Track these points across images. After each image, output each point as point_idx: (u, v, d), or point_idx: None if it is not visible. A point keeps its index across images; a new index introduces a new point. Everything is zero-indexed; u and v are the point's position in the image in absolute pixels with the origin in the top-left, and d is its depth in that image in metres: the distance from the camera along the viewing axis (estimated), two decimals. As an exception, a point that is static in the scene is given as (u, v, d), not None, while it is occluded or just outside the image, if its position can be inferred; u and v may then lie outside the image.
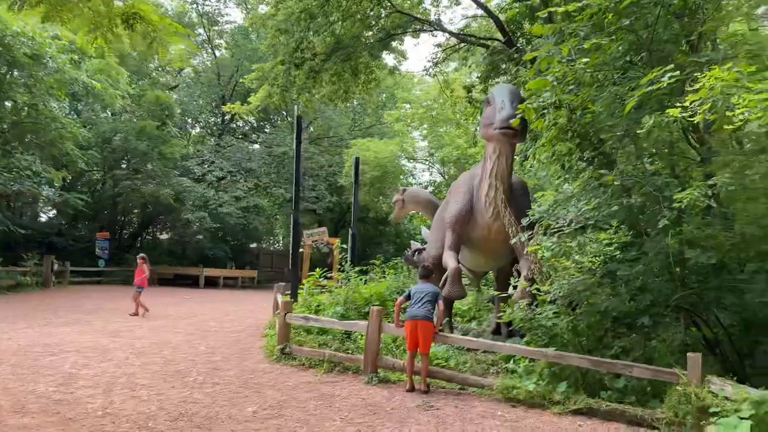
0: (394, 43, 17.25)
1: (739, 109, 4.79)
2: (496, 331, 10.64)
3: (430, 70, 16.80)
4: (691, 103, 5.17)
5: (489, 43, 15.22)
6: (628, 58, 7.07)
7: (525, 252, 8.46)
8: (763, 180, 5.95)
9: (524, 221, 7.32)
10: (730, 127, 5.07)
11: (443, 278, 8.39)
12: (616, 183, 6.36)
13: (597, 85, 7.02)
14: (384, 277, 14.60)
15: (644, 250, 6.07)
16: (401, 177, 28.25)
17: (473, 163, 25.30)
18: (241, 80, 20.97)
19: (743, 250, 6.02)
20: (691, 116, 5.26)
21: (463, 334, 9.86)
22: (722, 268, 6.23)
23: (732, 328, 6.21)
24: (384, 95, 33.24)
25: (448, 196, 10.36)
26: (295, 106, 15.35)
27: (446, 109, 24.52)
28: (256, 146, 34.28)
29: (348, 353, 8.04)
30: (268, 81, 14.79)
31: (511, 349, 6.61)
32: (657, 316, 6.40)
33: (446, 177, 26.10)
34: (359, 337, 8.55)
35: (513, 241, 7.45)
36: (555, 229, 6.24)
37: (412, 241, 22.14)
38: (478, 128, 8.43)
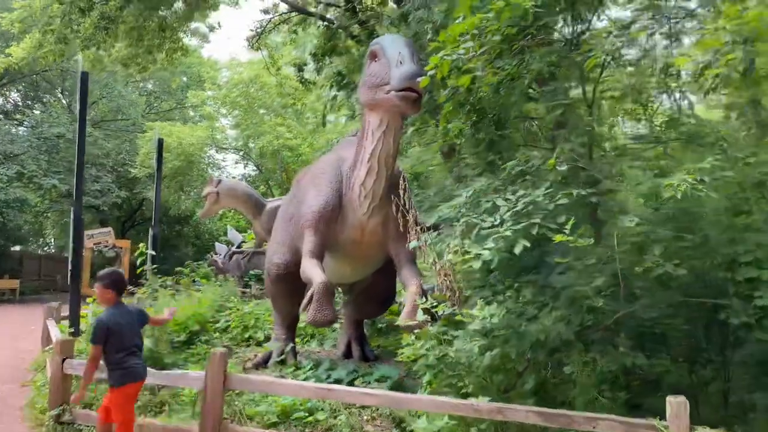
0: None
1: None
2: (347, 354, 8.65)
3: (253, 41, 14.22)
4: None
5: (327, 14, 13.21)
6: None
7: (416, 260, 6.55)
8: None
9: (431, 220, 5.30)
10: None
11: (307, 298, 6.06)
12: (559, 168, 4.73)
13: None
14: (196, 289, 11.65)
15: (592, 255, 4.54)
16: (209, 169, 24.79)
17: (298, 156, 23.00)
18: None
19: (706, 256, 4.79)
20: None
21: (314, 365, 7.63)
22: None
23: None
24: (185, 78, 29.21)
25: (295, 188, 8.06)
26: (79, 61, 11.68)
27: (264, 95, 21.87)
28: (22, 129, 27.86)
29: (172, 422, 5.27)
30: (38, 26, 10.84)
31: (430, 404, 4.53)
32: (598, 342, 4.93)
33: (263, 170, 23.35)
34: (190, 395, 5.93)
35: (413, 244, 5.42)
36: (487, 229, 4.40)
37: (217, 244, 19.33)
38: (355, 95, 6.17)
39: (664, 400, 3.93)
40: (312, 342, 10.35)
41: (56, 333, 6.33)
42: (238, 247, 17.99)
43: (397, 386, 6.78)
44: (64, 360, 5.31)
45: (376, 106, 5.78)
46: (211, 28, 14.68)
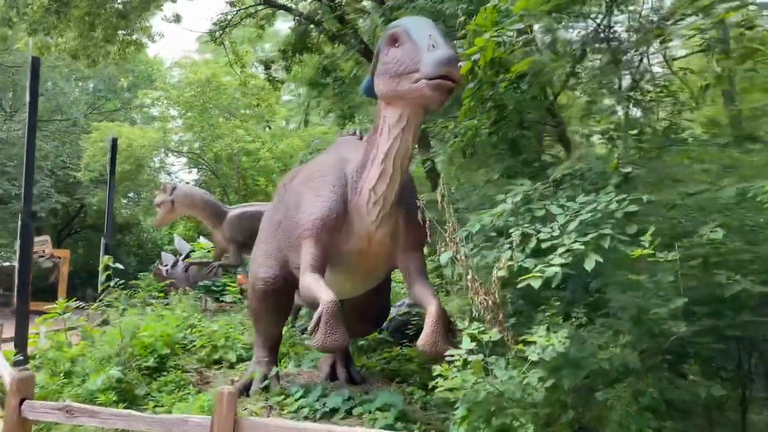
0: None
1: None
2: (332, 376, 7.83)
3: (215, 35, 13.15)
4: None
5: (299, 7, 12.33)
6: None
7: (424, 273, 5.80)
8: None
9: (462, 231, 4.50)
10: None
11: (314, 321, 5.20)
12: (624, 170, 4.09)
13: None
14: (149, 306, 10.44)
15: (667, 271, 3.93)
16: (159, 174, 23.16)
17: (257, 161, 21.75)
18: None
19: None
20: None
21: (304, 392, 6.78)
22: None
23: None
24: (132, 77, 27.44)
25: (283, 192, 7.21)
26: (29, 45, 10.35)
27: (221, 95, 20.55)
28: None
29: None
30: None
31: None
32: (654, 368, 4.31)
33: (219, 175, 22.01)
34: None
35: (446, 257, 4.60)
36: (547, 241, 3.70)
37: (163, 254, 18.08)
38: (371, 84, 5.32)
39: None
40: (288, 362, 9.44)
41: (5, 372, 5.16)
42: (186, 256, 16.86)
43: (402, 416, 6.06)
44: (22, 402, 4.23)
45: (397, 99, 4.99)
46: (172, 20, 13.53)
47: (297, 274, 6.69)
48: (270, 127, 21.44)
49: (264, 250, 6.96)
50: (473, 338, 3.96)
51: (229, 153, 19.91)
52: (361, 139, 6.85)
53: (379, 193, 5.55)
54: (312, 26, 12.28)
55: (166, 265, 16.74)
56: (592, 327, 4.03)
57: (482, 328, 4.12)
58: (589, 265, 3.70)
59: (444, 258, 4.64)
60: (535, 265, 3.84)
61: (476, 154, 5.73)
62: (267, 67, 13.38)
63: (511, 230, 4.12)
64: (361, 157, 5.78)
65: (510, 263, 4.00)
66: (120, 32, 11.93)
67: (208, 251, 15.25)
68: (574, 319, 4.07)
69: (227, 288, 14.36)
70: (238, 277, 16.39)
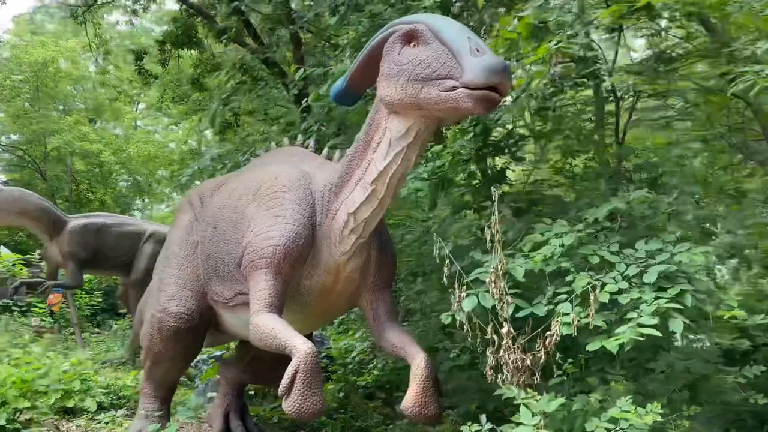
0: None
1: None
2: (226, 430, 6.57)
3: (80, 12, 10.97)
4: None
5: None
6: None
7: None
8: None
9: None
10: None
11: (287, 377, 3.95)
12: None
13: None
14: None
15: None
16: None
17: (98, 166, 18.56)
18: None
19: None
20: None
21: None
22: None
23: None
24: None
25: (197, 204, 5.85)
26: None
27: (59, 82, 17.33)
28: None
29: None
30: None
31: None
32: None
33: (46, 178, 18.38)
34: None
35: (471, 303, 3.70)
36: (616, 294, 3.03)
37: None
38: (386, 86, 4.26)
39: None
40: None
41: None
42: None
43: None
44: None
45: (412, 108, 4.06)
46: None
47: (219, 310, 5.46)
48: (119, 129, 18.80)
49: (176, 278, 5.52)
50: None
51: (63, 152, 16.82)
52: (315, 151, 5.75)
53: (361, 219, 4.54)
54: (200, 19, 10.79)
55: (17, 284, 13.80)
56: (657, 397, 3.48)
57: (535, 396, 3.36)
58: (676, 327, 3.15)
59: (468, 305, 3.80)
60: (606, 324, 3.21)
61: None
62: (139, 59, 11.49)
63: (569, 278, 3.45)
64: (336, 173, 4.74)
65: (572, 320, 3.31)
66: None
67: (14, 264, 12.84)
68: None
69: (33, 309, 12.57)
70: (51, 297, 13.98)
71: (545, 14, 3.91)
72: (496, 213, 3.74)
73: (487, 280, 3.73)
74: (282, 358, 6.28)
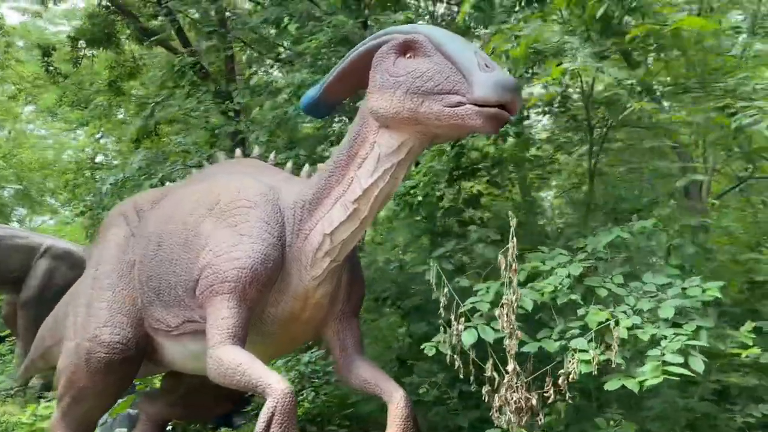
0: None
1: None
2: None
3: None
4: None
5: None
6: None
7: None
8: None
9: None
10: None
11: (263, 420, 3.37)
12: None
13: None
14: None
15: None
16: None
17: None
18: None
19: None
20: None
21: None
22: None
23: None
24: None
25: (133, 218, 5.17)
26: None
27: None
28: None
29: None
30: None
31: None
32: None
33: None
34: None
35: (471, 337, 3.32)
36: (630, 329, 2.78)
37: None
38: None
39: None
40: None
41: None
42: None
43: None
44: None
45: (408, 123, 3.73)
46: None
47: (159, 339, 4.83)
48: (10, 132, 16.83)
49: (110, 302, 4.79)
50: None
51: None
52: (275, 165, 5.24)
53: (338, 241, 4.12)
54: (121, 18, 9.89)
55: None
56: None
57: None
58: (698, 366, 3.00)
59: (468, 338, 3.47)
60: (624, 360, 3.01)
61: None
62: (47, 54, 10.34)
63: (580, 312, 3.22)
64: (309, 189, 4.29)
65: (585, 356, 3.07)
66: None
67: None
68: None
69: None
70: None
71: (546, 34, 3.76)
72: (513, 240, 3.46)
73: (498, 312, 3.43)
74: (227, 391, 5.71)
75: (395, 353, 5.83)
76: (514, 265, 3.39)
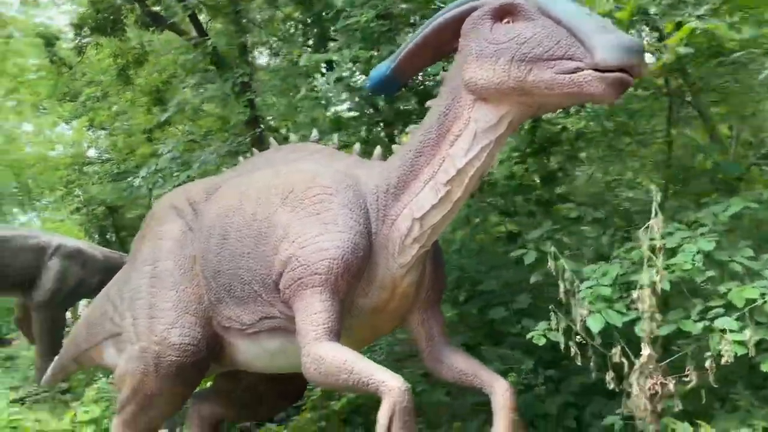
0: None
1: None
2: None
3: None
4: None
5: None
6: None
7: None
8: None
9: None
10: None
11: (383, 426, 3.12)
12: None
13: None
14: None
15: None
16: None
17: None
18: None
19: None
20: None
21: None
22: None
23: None
24: None
25: (188, 212, 4.82)
26: None
27: None
28: None
29: None
30: None
31: None
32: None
33: None
34: None
35: (595, 321, 3.10)
36: None
37: None
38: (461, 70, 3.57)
39: None
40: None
41: None
42: None
43: None
44: None
45: (511, 94, 3.43)
46: None
47: (230, 338, 4.51)
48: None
49: (175, 302, 4.47)
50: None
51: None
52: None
53: (428, 226, 3.82)
54: (127, 3, 9.41)
55: None
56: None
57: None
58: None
59: (595, 324, 3.23)
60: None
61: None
62: (50, 44, 9.87)
63: (721, 289, 2.99)
64: (392, 172, 3.99)
65: (739, 337, 2.86)
66: None
67: None
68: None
69: None
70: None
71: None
72: (659, 212, 3.20)
73: (635, 294, 3.19)
74: (277, 387, 5.44)
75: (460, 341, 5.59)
76: (659, 243, 3.14)
